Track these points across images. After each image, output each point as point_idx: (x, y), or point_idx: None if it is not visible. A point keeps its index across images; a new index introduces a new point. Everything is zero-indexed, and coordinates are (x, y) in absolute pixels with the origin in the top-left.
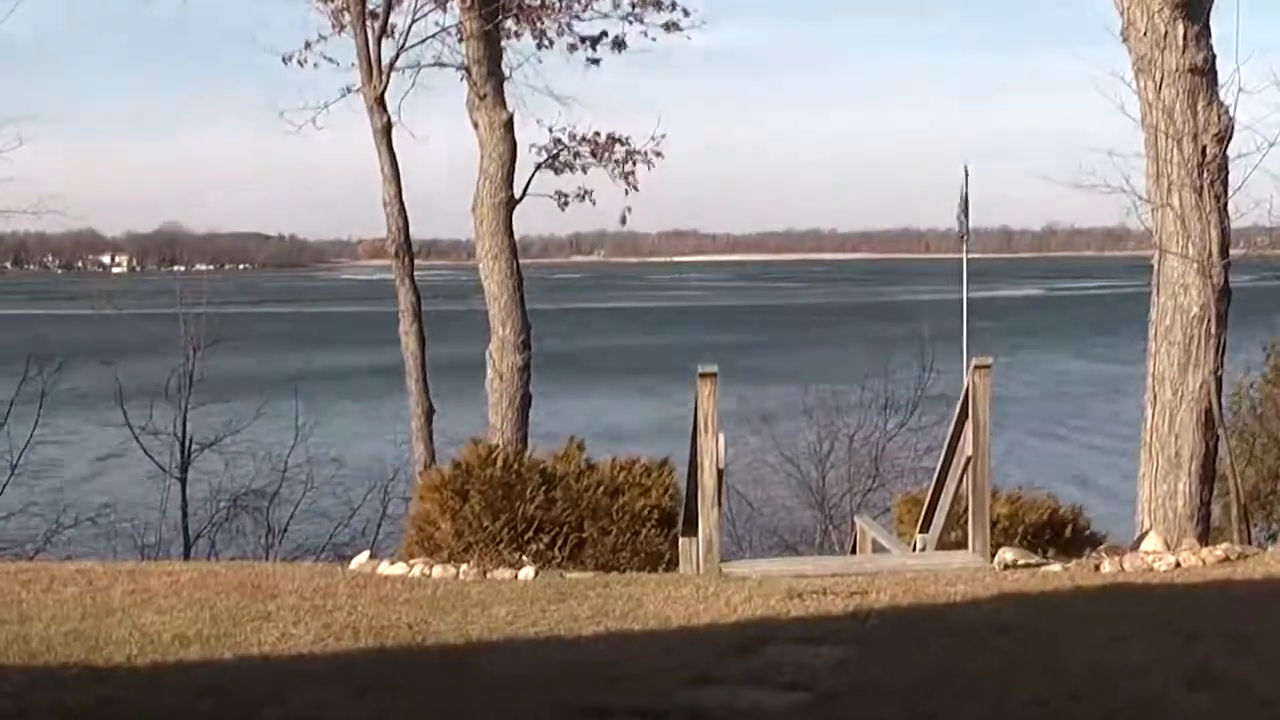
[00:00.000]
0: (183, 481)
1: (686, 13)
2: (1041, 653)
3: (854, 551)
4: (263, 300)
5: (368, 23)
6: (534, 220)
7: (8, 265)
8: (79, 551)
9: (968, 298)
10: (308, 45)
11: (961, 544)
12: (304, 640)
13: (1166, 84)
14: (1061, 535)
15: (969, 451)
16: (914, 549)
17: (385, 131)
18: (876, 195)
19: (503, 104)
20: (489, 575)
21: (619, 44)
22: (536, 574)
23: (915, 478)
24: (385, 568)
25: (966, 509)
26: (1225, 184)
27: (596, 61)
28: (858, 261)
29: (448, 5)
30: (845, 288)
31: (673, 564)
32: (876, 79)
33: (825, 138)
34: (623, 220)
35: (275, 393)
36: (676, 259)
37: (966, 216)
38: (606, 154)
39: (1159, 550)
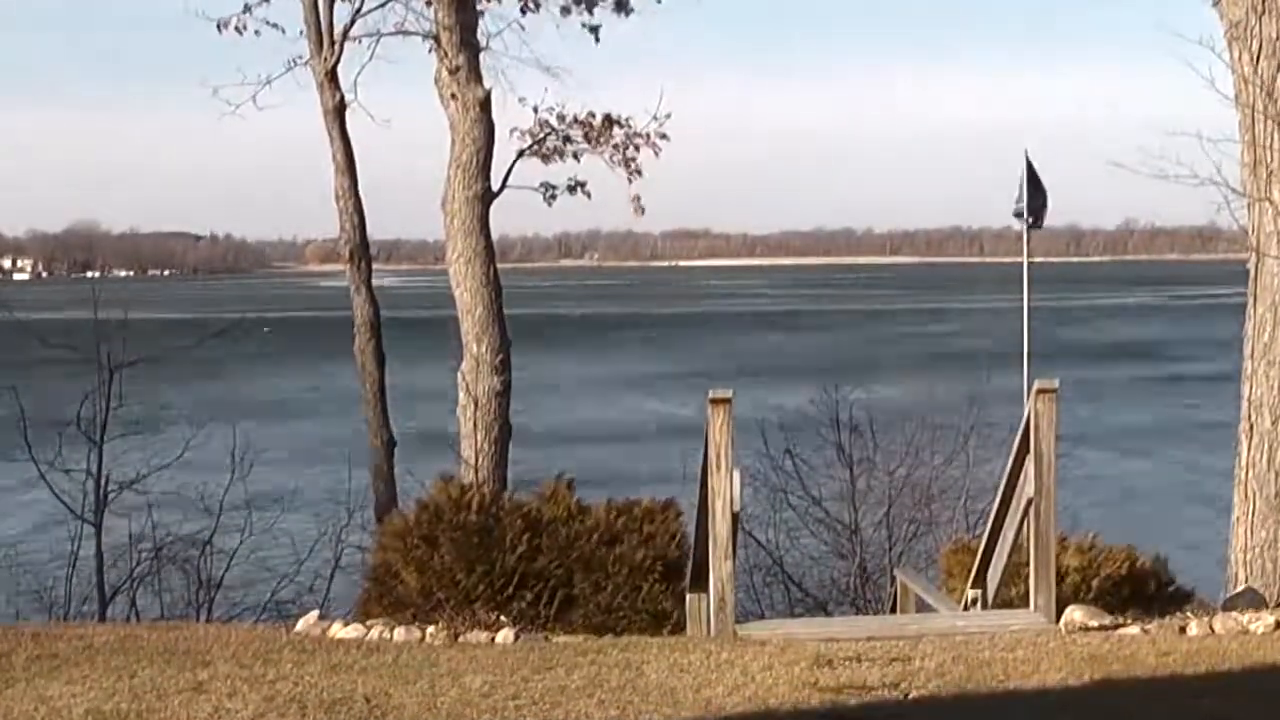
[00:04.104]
0: (97, 527)
1: None
2: None
3: (894, 610)
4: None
5: None
6: (515, 217)
7: None
8: None
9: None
10: (247, 8)
11: (1021, 601)
12: (242, 716)
13: (1265, 55)
14: (1143, 591)
15: (1030, 491)
16: (964, 607)
17: (338, 112)
18: (920, 188)
19: (479, 79)
20: (461, 638)
21: (622, 6)
22: (517, 637)
23: (967, 523)
24: (338, 630)
25: (1027, 559)
26: None
27: (595, 30)
28: (901, 266)
29: None
30: (892, 298)
31: (679, 625)
32: (915, 47)
33: (858, 118)
34: (637, 209)
35: (207, 422)
36: (685, 263)
37: (1028, 210)
38: (603, 138)
39: (1256, 609)
